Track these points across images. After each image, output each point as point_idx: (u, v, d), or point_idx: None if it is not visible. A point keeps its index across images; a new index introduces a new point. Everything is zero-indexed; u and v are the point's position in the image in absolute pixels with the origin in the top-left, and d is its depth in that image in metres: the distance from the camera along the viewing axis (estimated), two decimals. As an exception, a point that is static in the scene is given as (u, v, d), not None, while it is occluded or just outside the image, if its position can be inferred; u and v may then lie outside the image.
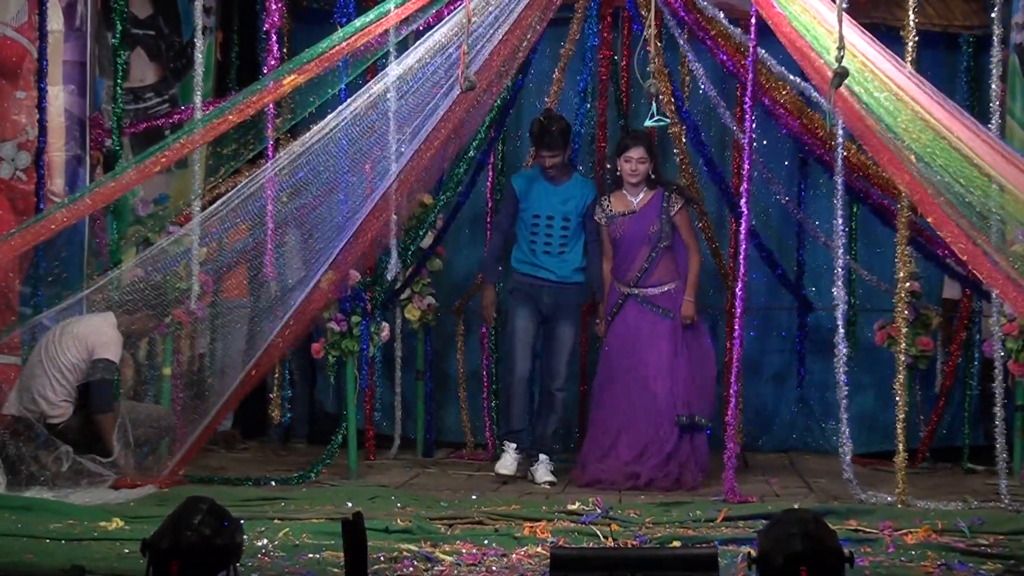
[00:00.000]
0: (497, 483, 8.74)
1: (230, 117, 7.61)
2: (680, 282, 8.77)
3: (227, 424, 9.93)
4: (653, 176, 8.82)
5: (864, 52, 7.14)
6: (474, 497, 7.88)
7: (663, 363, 8.66)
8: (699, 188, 9.64)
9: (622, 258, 8.81)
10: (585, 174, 9.59)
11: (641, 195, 8.81)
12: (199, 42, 8.88)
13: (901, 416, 7.80)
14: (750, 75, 8.14)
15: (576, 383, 9.67)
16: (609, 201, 8.88)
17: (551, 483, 8.66)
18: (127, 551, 6.16)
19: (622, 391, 8.70)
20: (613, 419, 8.69)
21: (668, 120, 8.90)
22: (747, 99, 8.35)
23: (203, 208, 8.44)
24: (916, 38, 7.76)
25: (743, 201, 8.06)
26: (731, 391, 8.21)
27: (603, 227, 8.84)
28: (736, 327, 8.07)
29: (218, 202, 8.06)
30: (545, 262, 8.88)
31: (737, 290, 8.03)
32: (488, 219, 9.89)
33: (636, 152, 8.73)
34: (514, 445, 8.84)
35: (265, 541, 6.46)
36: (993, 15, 8.31)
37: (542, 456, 8.82)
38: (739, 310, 8.03)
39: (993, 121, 8.18)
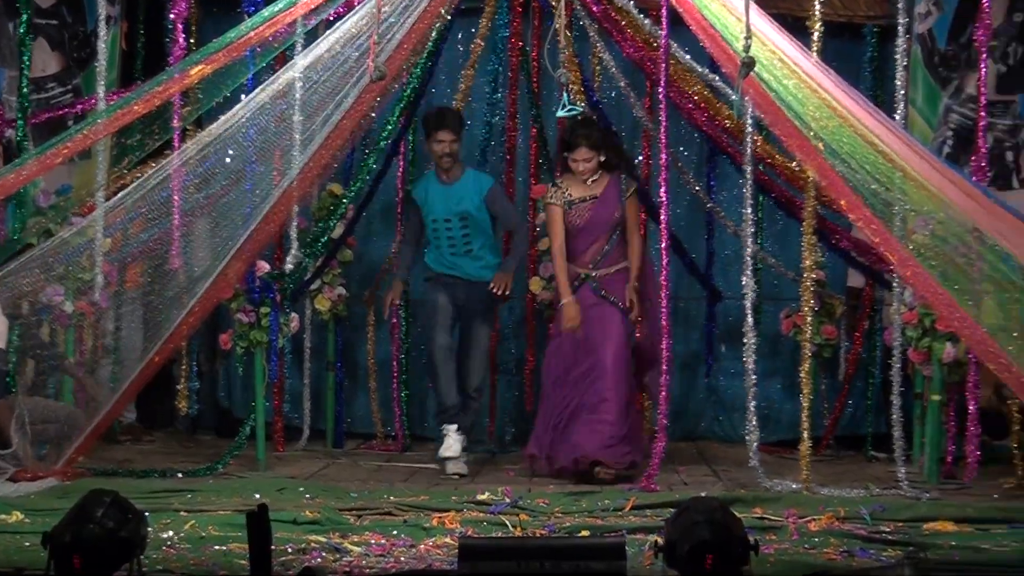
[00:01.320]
0: (407, 473, 8.73)
1: (135, 107, 7.54)
2: (629, 263, 8.64)
3: (131, 417, 9.84)
4: (604, 160, 8.58)
5: (773, 40, 7.20)
6: (386, 487, 7.85)
7: (616, 349, 8.44)
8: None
9: (582, 243, 8.60)
10: (491, 166, 9.60)
11: (596, 178, 8.59)
12: (103, 32, 8.77)
13: (806, 404, 7.87)
14: (663, 65, 8.16)
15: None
16: (566, 187, 8.61)
17: (461, 474, 8.62)
18: (27, 544, 6.08)
19: (575, 380, 8.51)
20: (566, 406, 8.50)
21: (580, 109, 8.92)
22: (659, 90, 8.36)
23: (107, 199, 8.34)
24: (822, 28, 7.83)
25: (662, 191, 8.02)
26: (662, 383, 8.05)
27: (558, 210, 8.58)
28: (663, 318, 8.05)
29: (123, 192, 7.98)
30: (454, 262, 8.89)
31: (662, 280, 8.01)
32: (399, 209, 9.86)
33: (580, 153, 8.49)
34: (454, 426, 8.68)
35: (171, 533, 6.41)
36: (899, 6, 8.39)
37: (450, 428, 8.71)
38: (664, 300, 8.01)
39: (898, 111, 8.27)
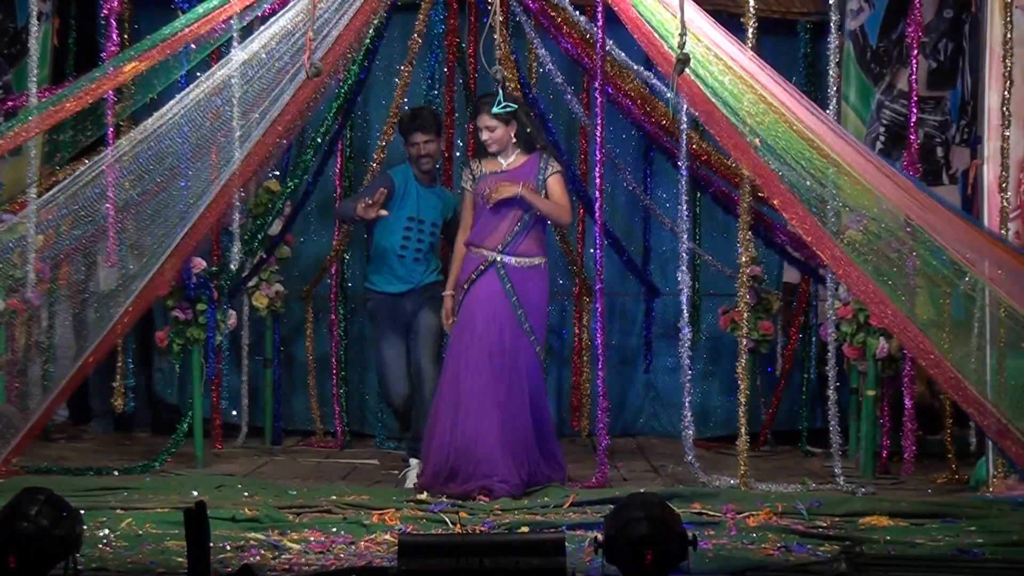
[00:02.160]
0: (347, 470, 8.72)
1: (68, 105, 7.46)
2: (547, 261, 8.00)
3: (63, 414, 9.76)
4: (523, 139, 7.98)
5: (708, 36, 7.23)
6: (326, 486, 7.82)
7: (508, 351, 7.77)
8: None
9: (487, 221, 7.88)
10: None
11: (512, 158, 7.97)
12: (34, 28, 8.68)
13: (743, 400, 7.92)
14: (598, 62, 8.19)
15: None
16: (479, 163, 8.04)
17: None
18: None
19: (476, 381, 7.74)
20: (467, 419, 7.69)
21: (515, 106, 8.91)
22: (595, 87, 8.39)
23: (39, 195, 8.27)
24: (756, 24, 7.88)
25: (596, 188, 8.05)
26: (599, 381, 8.02)
27: (468, 196, 8.01)
28: (597, 315, 8.06)
29: (55, 188, 7.90)
30: (411, 271, 8.41)
31: (596, 276, 8.02)
32: (336, 205, 9.82)
33: (481, 120, 7.94)
34: (416, 461, 8.13)
35: (107, 531, 6.37)
36: (831, 2, 8.46)
37: (413, 461, 8.17)
38: (599, 298, 8.03)
39: (831, 106, 8.35)
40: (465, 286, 7.87)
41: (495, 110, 7.97)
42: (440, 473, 7.63)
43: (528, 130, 7.99)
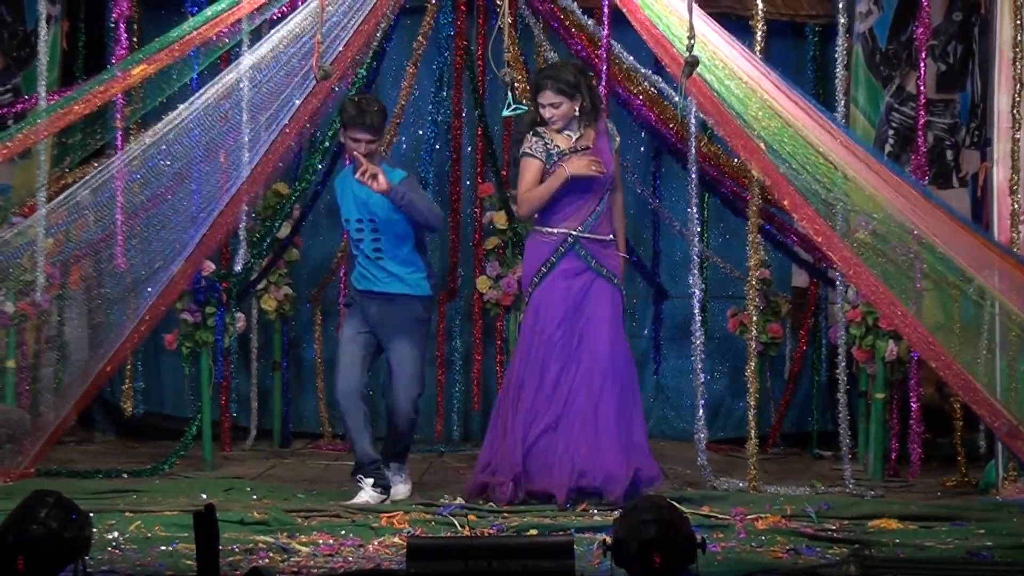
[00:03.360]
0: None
1: (76, 107, 7.49)
2: (612, 238, 7.54)
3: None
4: (584, 110, 7.41)
5: (714, 42, 7.24)
6: (335, 489, 7.82)
7: (613, 334, 7.37)
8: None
9: (570, 203, 7.37)
10: (436, 165, 9.59)
11: (580, 132, 7.43)
12: (43, 31, 8.70)
13: (752, 403, 7.91)
14: (604, 65, 8.19)
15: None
16: (550, 138, 7.42)
17: (407, 496, 7.66)
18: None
19: (556, 382, 7.33)
20: (551, 410, 7.32)
21: (525, 108, 8.89)
22: (601, 89, 8.39)
23: (48, 198, 8.28)
24: (764, 27, 7.88)
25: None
26: None
27: (536, 162, 7.39)
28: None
29: (65, 193, 7.92)
30: (369, 272, 7.66)
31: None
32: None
33: (544, 96, 7.39)
34: (371, 481, 7.52)
35: (116, 534, 6.36)
36: (839, 5, 8.46)
37: (393, 465, 7.71)
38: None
39: (839, 110, 8.34)
40: (543, 269, 7.42)
41: (505, 113, 7.97)
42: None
43: (590, 102, 7.44)
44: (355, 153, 7.43)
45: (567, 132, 7.42)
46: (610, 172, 7.40)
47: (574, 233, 7.38)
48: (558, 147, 7.38)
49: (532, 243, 7.54)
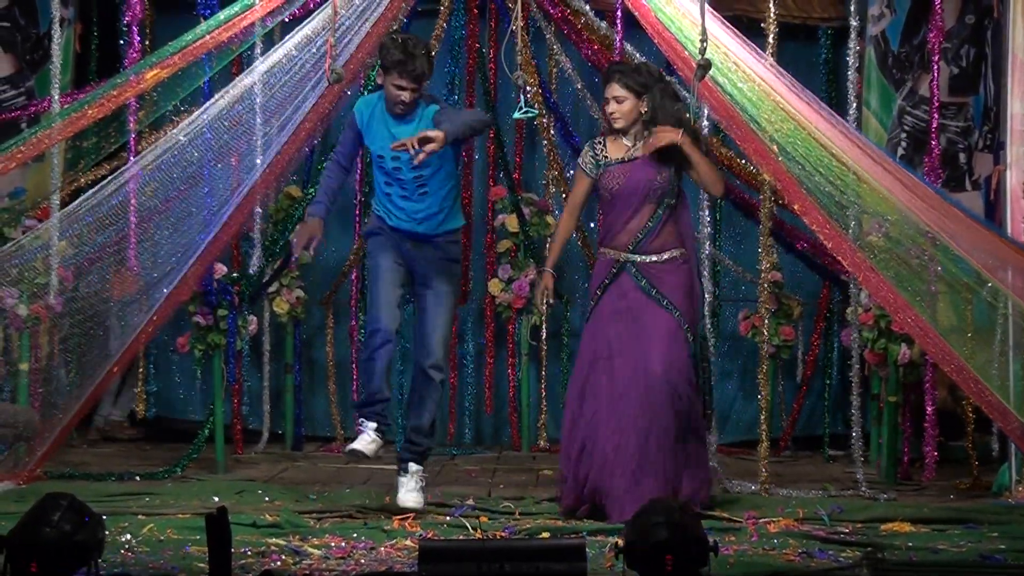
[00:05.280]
0: (367, 475, 8.71)
1: (89, 112, 7.50)
2: (686, 253, 7.09)
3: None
4: (652, 117, 7.02)
5: (726, 44, 7.24)
6: (347, 491, 7.81)
7: (669, 358, 6.93)
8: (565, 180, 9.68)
9: (619, 217, 7.01)
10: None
11: (639, 143, 7.05)
12: (56, 34, 8.72)
13: (764, 406, 7.90)
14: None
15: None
16: (603, 145, 7.09)
17: (417, 509, 7.12)
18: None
19: (619, 398, 6.96)
20: (606, 432, 6.98)
21: (536, 112, 8.94)
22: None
23: (62, 201, 8.30)
24: (777, 30, 7.87)
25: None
26: None
27: (583, 178, 7.12)
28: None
29: (80, 198, 7.94)
30: (404, 207, 7.11)
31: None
32: (357, 211, 9.84)
33: (611, 89, 7.01)
34: (373, 425, 7.14)
35: (128, 536, 6.37)
36: (851, 8, 8.45)
37: (412, 467, 7.18)
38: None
39: (850, 112, 8.34)
40: (598, 292, 7.10)
41: (516, 116, 7.97)
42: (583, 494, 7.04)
43: (658, 112, 7.00)
44: (407, 144, 6.72)
45: (624, 140, 7.06)
46: (649, 182, 6.97)
47: (623, 255, 7.03)
48: (606, 157, 7.06)
49: (596, 265, 7.24)
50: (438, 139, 6.73)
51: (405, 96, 6.92)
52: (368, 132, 7.13)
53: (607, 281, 7.06)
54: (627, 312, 6.99)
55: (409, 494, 7.13)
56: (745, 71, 7.30)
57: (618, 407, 6.93)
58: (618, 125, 7.03)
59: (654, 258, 7.02)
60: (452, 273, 7.28)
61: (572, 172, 8.64)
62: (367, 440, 7.13)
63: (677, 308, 6.98)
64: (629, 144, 7.05)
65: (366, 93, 8.93)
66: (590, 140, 7.26)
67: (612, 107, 7.00)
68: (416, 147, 6.71)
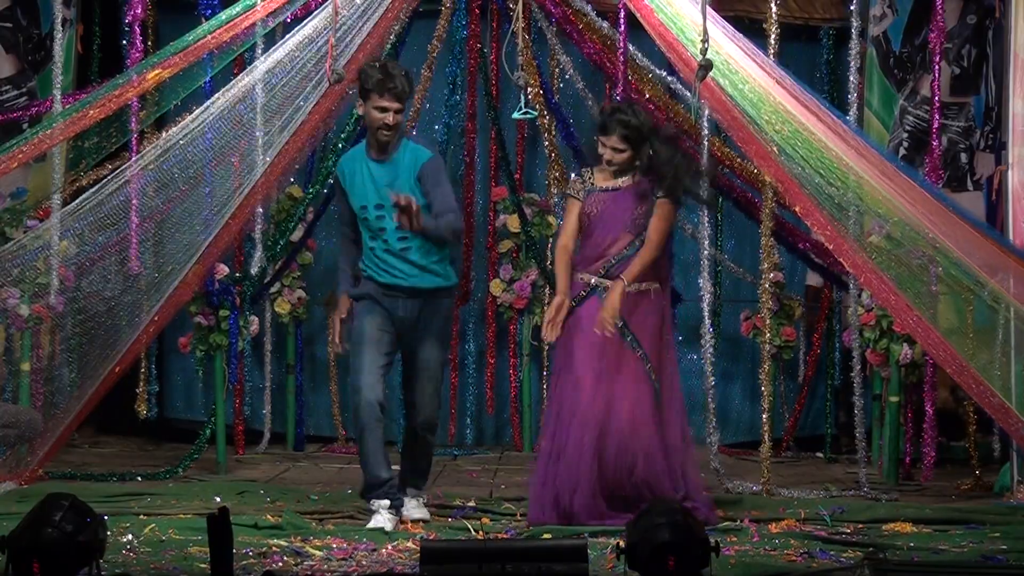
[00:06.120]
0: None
1: (91, 112, 7.49)
2: (660, 286, 7.06)
3: None
4: (648, 166, 7.02)
5: (726, 46, 7.24)
6: (349, 492, 7.81)
7: (629, 415, 6.88)
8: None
9: (597, 242, 7.01)
10: (450, 169, 9.57)
11: (628, 177, 7.05)
12: (58, 34, 8.71)
13: (766, 406, 7.90)
14: (621, 68, 8.19)
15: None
16: (592, 174, 7.09)
17: (425, 520, 6.96)
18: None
19: (580, 418, 6.89)
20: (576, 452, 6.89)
21: (536, 113, 8.94)
22: (617, 92, 8.39)
23: (64, 201, 8.30)
24: (778, 31, 7.87)
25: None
26: None
27: (574, 203, 7.06)
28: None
29: (81, 197, 7.94)
30: (391, 265, 6.86)
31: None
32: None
33: (609, 140, 6.99)
34: (386, 503, 6.80)
35: (130, 537, 6.37)
36: (852, 8, 8.45)
37: (411, 491, 7.03)
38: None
39: (851, 113, 8.34)
40: (569, 316, 7.00)
41: (515, 116, 7.97)
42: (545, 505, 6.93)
43: (653, 161, 7.00)
44: (399, 198, 6.58)
45: (613, 174, 7.03)
46: (633, 211, 6.97)
47: (594, 281, 6.99)
48: (593, 184, 7.03)
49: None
50: (414, 222, 6.61)
51: (388, 118, 6.74)
52: (352, 188, 6.91)
53: (575, 304, 6.98)
54: (598, 346, 6.89)
55: (415, 510, 6.93)
56: (745, 72, 7.30)
57: (578, 433, 6.85)
58: (612, 169, 7.03)
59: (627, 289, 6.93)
60: (443, 331, 7.09)
61: (572, 173, 8.61)
62: (385, 518, 6.78)
63: (641, 347, 6.93)
64: (618, 179, 7.02)
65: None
66: (579, 171, 7.24)
67: (609, 155, 6.99)
68: (402, 203, 6.57)
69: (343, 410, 9.96)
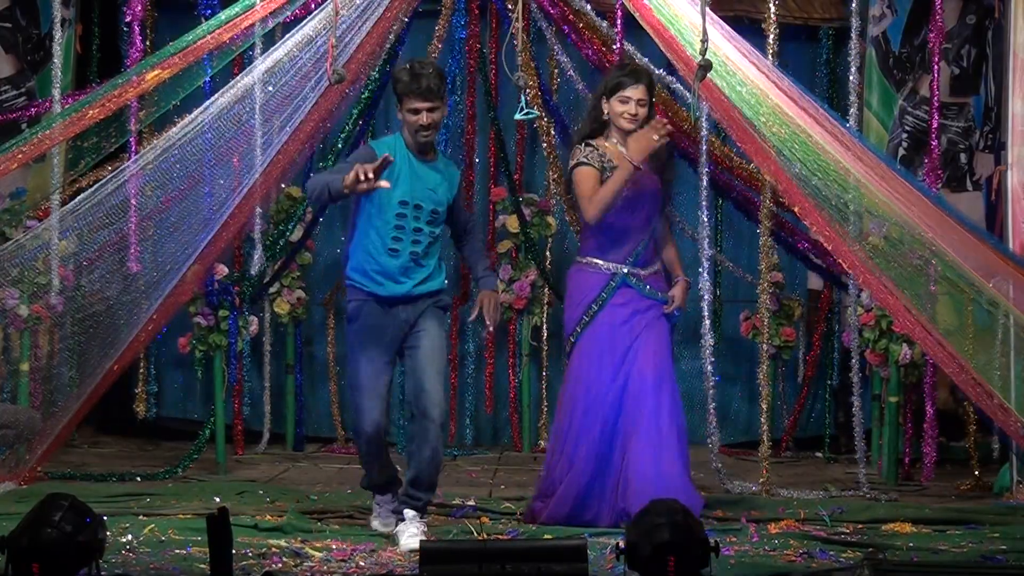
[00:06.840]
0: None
1: (90, 113, 7.49)
2: (661, 266, 7.07)
3: None
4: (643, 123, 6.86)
5: (724, 47, 7.23)
6: (348, 492, 7.81)
7: (659, 364, 6.90)
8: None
9: (621, 226, 6.86)
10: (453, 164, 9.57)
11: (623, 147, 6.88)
12: (57, 35, 8.71)
13: (765, 406, 7.90)
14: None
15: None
16: (603, 150, 6.86)
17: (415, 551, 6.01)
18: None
19: (617, 414, 6.86)
20: (603, 450, 6.87)
21: (536, 113, 8.93)
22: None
23: (63, 201, 8.30)
24: (777, 31, 7.87)
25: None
26: None
27: (592, 171, 6.81)
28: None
29: (80, 197, 7.93)
30: (398, 270, 6.59)
31: None
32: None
33: (635, 91, 6.79)
34: (413, 513, 6.56)
35: (130, 537, 6.38)
36: (851, 8, 8.46)
37: (409, 513, 6.57)
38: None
39: (851, 113, 8.34)
40: (593, 307, 6.90)
41: (517, 116, 7.96)
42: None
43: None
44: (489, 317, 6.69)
45: (620, 147, 6.84)
46: (657, 192, 6.93)
47: (626, 270, 6.91)
48: (610, 161, 6.80)
49: (579, 277, 7.00)
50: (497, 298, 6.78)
51: (423, 119, 6.52)
52: (388, 174, 6.43)
53: (604, 295, 6.89)
54: (622, 333, 6.88)
55: (411, 539, 6.36)
56: (744, 73, 7.30)
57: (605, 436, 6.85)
58: (630, 127, 6.81)
59: (648, 271, 6.98)
60: (443, 320, 6.83)
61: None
62: (415, 531, 6.48)
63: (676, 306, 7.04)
64: (624, 149, 6.85)
65: (365, 94, 8.91)
66: (581, 143, 6.95)
67: (634, 109, 6.80)
68: (492, 313, 6.71)
69: (343, 410, 9.96)
